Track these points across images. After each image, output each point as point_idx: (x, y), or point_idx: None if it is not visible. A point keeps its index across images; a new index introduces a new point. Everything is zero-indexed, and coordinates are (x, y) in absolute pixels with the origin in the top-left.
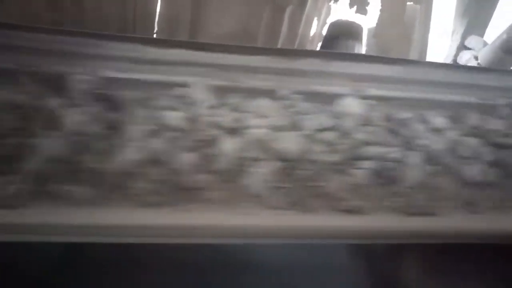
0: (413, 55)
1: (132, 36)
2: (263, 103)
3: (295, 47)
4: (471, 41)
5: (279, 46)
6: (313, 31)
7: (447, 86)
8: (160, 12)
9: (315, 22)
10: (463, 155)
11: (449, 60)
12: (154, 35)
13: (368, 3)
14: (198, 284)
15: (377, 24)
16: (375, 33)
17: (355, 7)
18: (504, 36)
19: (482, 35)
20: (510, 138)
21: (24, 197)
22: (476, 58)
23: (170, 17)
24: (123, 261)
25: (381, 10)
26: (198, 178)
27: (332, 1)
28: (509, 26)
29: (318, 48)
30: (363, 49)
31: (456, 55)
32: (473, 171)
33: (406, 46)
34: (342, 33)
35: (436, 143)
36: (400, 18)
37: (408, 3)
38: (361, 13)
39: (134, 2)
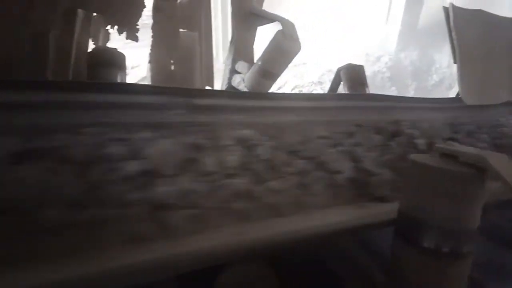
0: (199, 81)
1: None
2: None
3: (71, 72)
4: (239, 65)
5: (49, 71)
6: None
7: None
8: None
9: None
10: None
11: (225, 82)
12: None
13: (138, 30)
14: None
15: (151, 50)
16: (151, 59)
17: (125, 33)
18: (259, 63)
19: (249, 60)
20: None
21: None
22: (244, 80)
23: None
24: None
25: (152, 37)
26: None
27: (109, 27)
28: (262, 53)
29: None
30: (127, 77)
31: (230, 78)
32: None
33: (189, 72)
34: (103, 61)
35: None
36: (175, 44)
37: (182, 30)
38: (132, 39)
39: None
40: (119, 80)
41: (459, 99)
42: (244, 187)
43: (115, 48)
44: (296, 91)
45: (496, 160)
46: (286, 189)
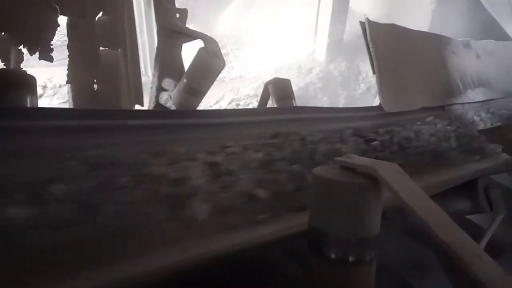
0: (127, 99)
1: None
2: None
3: None
4: (166, 83)
5: None
6: None
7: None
8: None
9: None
10: None
11: (153, 100)
12: None
13: (52, 50)
14: None
15: (68, 70)
16: (68, 79)
17: (38, 54)
18: (185, 80)
19: (176, 77)
20: None
21: None
22: (171, 97)
23: None
24: None
25: (69, 56)
26: None
27: (22, 46)
28: (187, 70)
29: None
30: (38, 100)
31: (157, 96)
32: None
33: (115, 91)
34: (8, 84)
35: None
36: (94, 63)
37: (103, 48)
38: (47, 60)
39: None
40: (28, 104)
41: (381, 107)
42: None
43: (24, 70)
44: (233, 104)
45: (386, 170)
46: None
